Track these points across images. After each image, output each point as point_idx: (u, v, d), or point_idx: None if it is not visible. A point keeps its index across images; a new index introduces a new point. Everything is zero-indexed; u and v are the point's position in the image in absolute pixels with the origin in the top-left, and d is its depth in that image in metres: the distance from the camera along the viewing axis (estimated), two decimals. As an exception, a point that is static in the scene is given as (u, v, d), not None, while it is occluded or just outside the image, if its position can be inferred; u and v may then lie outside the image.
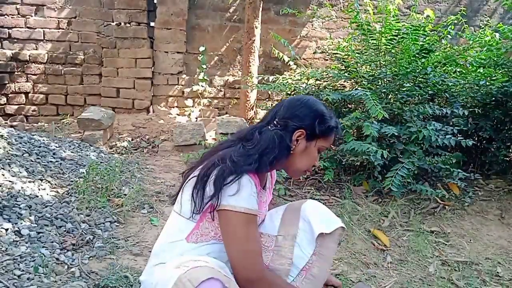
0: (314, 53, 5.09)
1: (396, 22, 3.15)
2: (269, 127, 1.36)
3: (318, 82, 3.67)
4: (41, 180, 2.57)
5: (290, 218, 1.47)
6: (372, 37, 3.19)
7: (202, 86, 4.89)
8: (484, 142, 3.37)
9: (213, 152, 1.37)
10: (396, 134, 2.73)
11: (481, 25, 5.04)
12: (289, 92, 3.68)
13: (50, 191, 2.49)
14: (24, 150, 2.88)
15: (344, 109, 3.38)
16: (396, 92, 3.10)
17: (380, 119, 2.66)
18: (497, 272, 2.27)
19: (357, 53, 3.49)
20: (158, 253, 1.33)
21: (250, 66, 4.34)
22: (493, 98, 3.18)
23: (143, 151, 3.92)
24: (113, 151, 3.82)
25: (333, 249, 1.46)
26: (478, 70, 3.25)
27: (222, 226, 1.26)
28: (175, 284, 1.08)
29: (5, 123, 4.59)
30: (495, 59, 3.27)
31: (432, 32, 3.43)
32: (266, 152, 1.29)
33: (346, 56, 3.64)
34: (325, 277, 1.48)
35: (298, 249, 1.43)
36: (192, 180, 1.31)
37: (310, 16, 4.78)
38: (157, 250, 1.35)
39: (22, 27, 4.74)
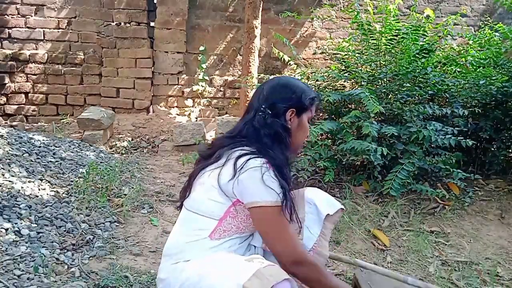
0: (314, 53, 5.09)
1: (396, 22, 3.15)
2: (259, 115, 1.37)
3: (318, 82, 3.67)
4: (41, 180, 2.57)
5: (296, 204, 1.53)
6: (372, 37, 3.19)
7: (202, 86, 4.89)
8: (484, 142, 3.36)
9: (219, 151, 1.37)
10: (396, 134, 2.73)
11: (481, 25, 5.04)
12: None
13: (50, 191, 2.48)
14: (24, 150, 2.88)
15: (344, 109, 3.38)
16: (396, 92, 3.10)
17: (379, 119, 2.66)
18: (497, 272, 2.26)
19: (357, 53, 3.48)
20: (177, 252, 1.33)
21: (250, 66, 4.34)
22: (493, 98, 3.17)
23: (143, 151, 3.92)
24: (113, 151, 3.82)
25: (332, 229, 1.64)
26: (478, 70, 3.24)
27: (260, 221, 1.30)
28: (254, 275, 1.12)
29: (5, 123, 4.59)
30: (495, 59, 3.27)
31: (432, 32, 3.43)
32: (281, 142, 1.37)
33: (346, 56, 3.63)
34: (328, 254, 1.63)
35: (306, 231, 1.56)
36: (212, 179, 1.32)
37: (308, 14, 4.76)
38: (174, 249, 1.34)
39: (22, 27, 4.75)
